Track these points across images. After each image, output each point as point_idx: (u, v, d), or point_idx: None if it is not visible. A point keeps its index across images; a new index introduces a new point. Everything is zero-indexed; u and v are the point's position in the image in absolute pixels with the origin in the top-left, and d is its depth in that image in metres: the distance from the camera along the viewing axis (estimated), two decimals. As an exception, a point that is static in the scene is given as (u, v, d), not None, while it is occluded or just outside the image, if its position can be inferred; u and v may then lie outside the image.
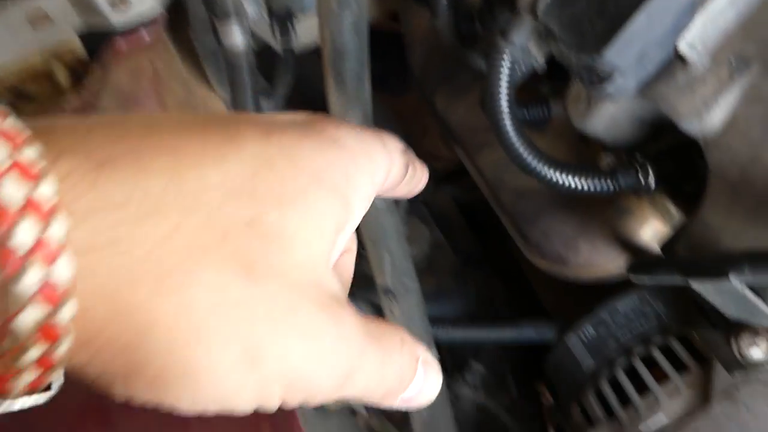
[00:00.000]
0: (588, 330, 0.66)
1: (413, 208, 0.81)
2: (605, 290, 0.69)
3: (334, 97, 0.57)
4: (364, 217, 0.57)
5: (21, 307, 0.20)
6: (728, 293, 0.42)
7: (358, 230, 0.74)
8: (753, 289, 0.42)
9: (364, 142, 0.30)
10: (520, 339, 0.69)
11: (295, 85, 0.84)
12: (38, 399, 0.23)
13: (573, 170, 0.49)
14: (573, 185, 0.48)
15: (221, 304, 0.23)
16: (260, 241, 0.25)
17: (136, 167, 0.23)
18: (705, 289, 0.43)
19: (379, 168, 0.31)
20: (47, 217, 0.20)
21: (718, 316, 0.48)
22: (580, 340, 0.66)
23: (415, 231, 0.76)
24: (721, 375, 0.58)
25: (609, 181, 0.49)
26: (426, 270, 0.76)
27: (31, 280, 0.20)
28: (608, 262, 0.62)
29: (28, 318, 0.20)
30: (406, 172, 0.34)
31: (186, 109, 0.74)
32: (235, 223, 0.24)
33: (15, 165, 0.20)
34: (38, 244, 0.20)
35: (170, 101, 0.73)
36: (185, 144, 0.25)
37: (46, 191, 0.20)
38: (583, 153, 0.63)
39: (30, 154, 0.21)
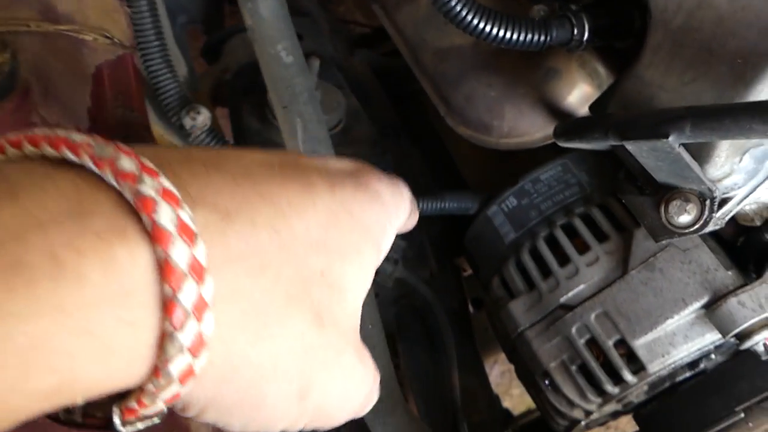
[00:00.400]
0: (510, 200, 0.64)
1: (327, 74, 0.74)
2: (527, 164, 0.66)
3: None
4: (272, 76, 0.51)
5: (176, 355, 0.23)
6: (663, 154, 0.39)
7: (268, 96, 0.66)
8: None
9: (395, 197, 0.35)
10: (442, 211, 0.66)
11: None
12: (148, 423, 0.26)
13: (503, 20, 0.44)
14: (503, 36, 0.43)
15: (297, 350, 0.28)
16: (328, 291, 0.29)
17: (249, 221, 0.26)
18: (639, 150, 0.40)
19: (401, 218, 0.36)
20: (202, 277, 0.23)
21: (647, 181, 0.45)
22: (501, 211, 0.64)
23: (329, 98, 0.69)
24: (640, 243, 0.57)
25: (541, 32, 0.44)
26: (341, 139, 0.71)
27: (189, 333, 0.23)
28: (534, 130, 0.58)
29: (180, 365, 0.23)
30: (410, 216, 0.39)
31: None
32: (314, 273, 0.28)
33: (180, 228, 0.23)
34: (196, 303, 0.23)
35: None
36: (276, 194, 0.28)
37: (202, 253, 0.23)
38: (509, 7, 0.58)
39: (186, 215, 0.23)
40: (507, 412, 0.88)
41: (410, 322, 0.77)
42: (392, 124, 0.78)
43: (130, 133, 0.48)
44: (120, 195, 0.23)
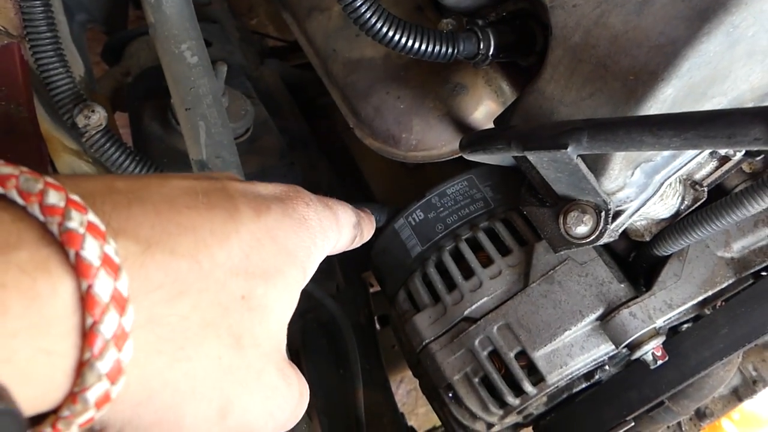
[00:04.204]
0: (417, 214, 0.64)
1: (236, 81, 0.72)
2: (434, 177, 0.67)
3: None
4: (175, 77, 0.50)
5: (95, 382, 0.24)
6: (562, 165, 0.40)
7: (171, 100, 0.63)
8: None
9: (322, 222, 0.36)
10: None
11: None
12: None
13: (413, 30, 0.44)
14: (412, 46, 0.43)
15: (214, 371, 0.29)
16: (249, 314, 0.30)
17: (168, 251, 0.27)
18: (540, 161, 0.41)
19: (330, 243, 0.37)
20: (124, 308, 0.24)
21: (548, 193, 0.47)
22: (408, 224, 0.64)
23: (237, 105, 0.68)
24: (541, 257, 0.59)
25: (449, 44, 0.45)
26: (248, 148, 0.69)
27: (108, 361, 0.24)
28: (441, 144, 0.59)
29: (97, 391, 0.24)
30: (353, 241, 0.41)
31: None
32: (233, 298, 0.29)
33: (104, 262, 0.24)
34: (116, 332, 0.24)
35: None
36: (199, 224, 0.29)
37: (124, 285, 0.24)
38: (418, 20, 0.59)
39: (111, 249, 0.24)
40: (412, 430, 0.88)
41: (316, 337, 0.76)
42: (301, 135, 0.77)
43: (14, 129, 0.44)
44: (45, 227, 0.24)
